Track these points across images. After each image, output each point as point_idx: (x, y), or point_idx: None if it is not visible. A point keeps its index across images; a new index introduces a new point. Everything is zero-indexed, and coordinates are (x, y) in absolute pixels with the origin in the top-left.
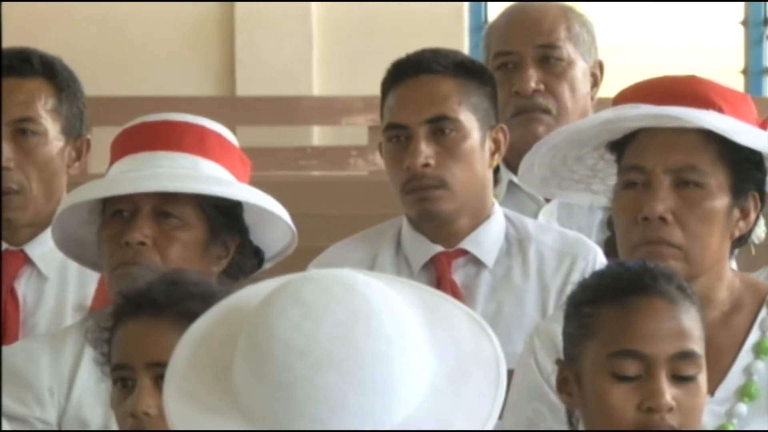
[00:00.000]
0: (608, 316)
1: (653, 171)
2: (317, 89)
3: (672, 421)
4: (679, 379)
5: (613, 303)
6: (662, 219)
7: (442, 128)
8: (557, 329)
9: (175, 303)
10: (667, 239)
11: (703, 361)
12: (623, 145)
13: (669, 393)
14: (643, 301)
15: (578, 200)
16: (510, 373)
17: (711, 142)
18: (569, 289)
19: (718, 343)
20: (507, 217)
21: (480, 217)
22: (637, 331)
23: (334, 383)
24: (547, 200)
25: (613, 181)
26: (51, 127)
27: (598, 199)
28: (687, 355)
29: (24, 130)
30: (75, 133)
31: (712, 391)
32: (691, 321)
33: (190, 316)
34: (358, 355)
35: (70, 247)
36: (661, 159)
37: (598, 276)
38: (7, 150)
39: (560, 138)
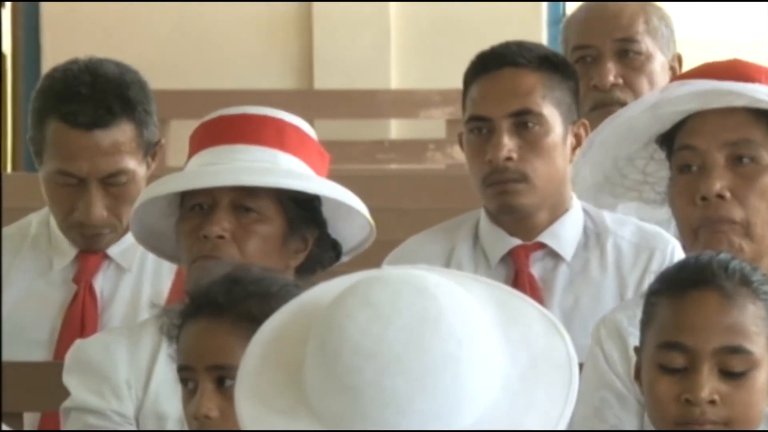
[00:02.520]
0: (663, 307)
1: (707, 150)
2: (395, 83)
3: (714, 416)
4: (728, 374)
5: (669, 294)
6: (720, 197)
7: (525, 122)
8: (622, 318)
9: (234, 304)
10: (727, 216)
11: (758, 358)
12: (672, 138)
13: (710, 387)
14: (696, 294)
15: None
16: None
17: (761, 118)
18: (647, 282)
19: None
20: (585, 211)
21: (559, 210)
22: (684, 323)
23: (402, 386)
24: None
25: (664, 188)
26: (137, 166)
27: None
28: (735, 350)
29: (115, 183)
30: (152, 147)
31: None
32: (747, 317)
33: (249, 317)
34: (426, 358)
35: (149, 239)
36: (713, 137)
37: (668, 268)
38: (99, 205)
39: (609, 130)
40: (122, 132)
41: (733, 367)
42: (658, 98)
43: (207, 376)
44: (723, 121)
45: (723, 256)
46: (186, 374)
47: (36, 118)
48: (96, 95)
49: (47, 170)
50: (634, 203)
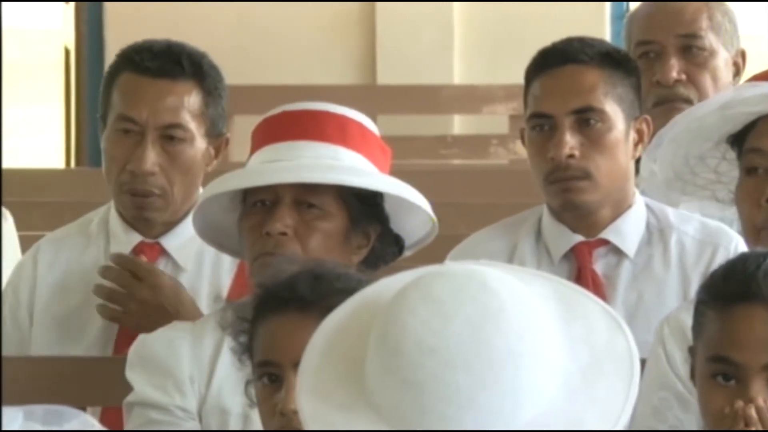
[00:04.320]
0: (710, 320)
1: None
2: (458, 78)
3: None
4: None
5: (716, 307)
6: None
7: (587, 119)
8: (687, 318)
9: (321, 299)
10: None
11: None
12: (743, 139)
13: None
14: (743, 308)
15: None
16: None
17: None
18: None
19: None
20: (648, 207)
21: (621, 207)
22: (732, 338)
23: (464, 382)
24: None
25: None
26: (196, 132)
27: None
28: None
29: (171, 137)
30: (216, 133)
31: None
32: None
33: None
34: (488, 354)
35: (212, 234)
36: None
37: (715, 276)
38: (152, 155)
39: (680, 128)
40: (187, 90)
41: None
42: (728, 98)
43: (294, 371)
44: None
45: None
46: (269, 369)
47: (107, 80)
48: (170, 50)
49: (111, 121)
50: (697, 202)
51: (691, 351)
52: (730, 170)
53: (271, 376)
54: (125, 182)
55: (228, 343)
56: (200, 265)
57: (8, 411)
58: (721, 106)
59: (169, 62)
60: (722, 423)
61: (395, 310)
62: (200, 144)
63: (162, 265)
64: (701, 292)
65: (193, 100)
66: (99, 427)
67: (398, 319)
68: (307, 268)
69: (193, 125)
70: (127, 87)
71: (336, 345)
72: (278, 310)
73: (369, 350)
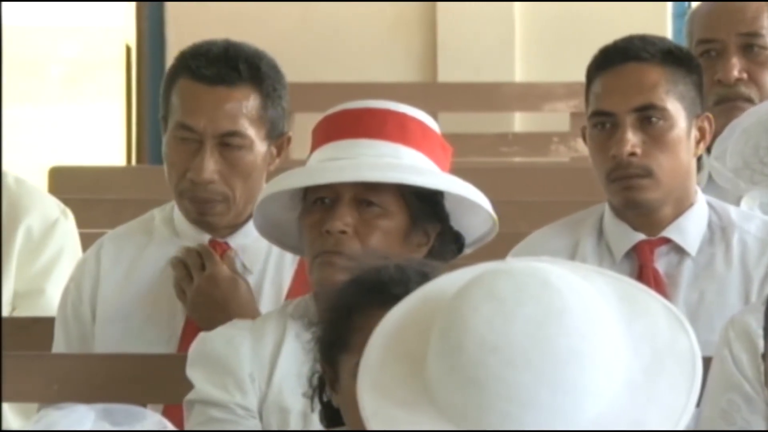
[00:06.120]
0: None
1: None
2: (519, 75)
3: None
4: None
5: None
6: None
7: (648, 117)
8: (751, 320)
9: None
10: None
11: None
12: None
13: None
14: None
15: None
16: (711, 361)
17: None
18: None
19: None
20: (710, 205)
21: (683, 205)
22: None
23: (526, 380)
24: None
25: None
26: (255, 136)
27: None
28: None
29: (230, 144)
30: (277, 134)
31: None
32: None
33: None
34: (550, 352)
35: (272, 231)
36: None
37: None
38: (211, 163)
39: (753, 119)
40: (245, 96)
41: None
42: None
43: None
44: None
45: None
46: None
47: (167, 84)
48: (227, 55)
49: (170, 128)
50: (765, 190)
51: (764, 357)
52: None
53: None
54: (186, 189)
55: (292, 340)
56: (265, 266)
57: (80, 410)
58: None
59: (225, 68)
60: None
61: (457, 308)
62: (260, 147)
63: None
64: None
65: (251, 105)
66: (171, 427)
67: (460, 317)
68: (414, 270)
69: (251, 131)
70: (185, 94)
71: (398, 341)
72: (384, 306)
73: (431, 347)
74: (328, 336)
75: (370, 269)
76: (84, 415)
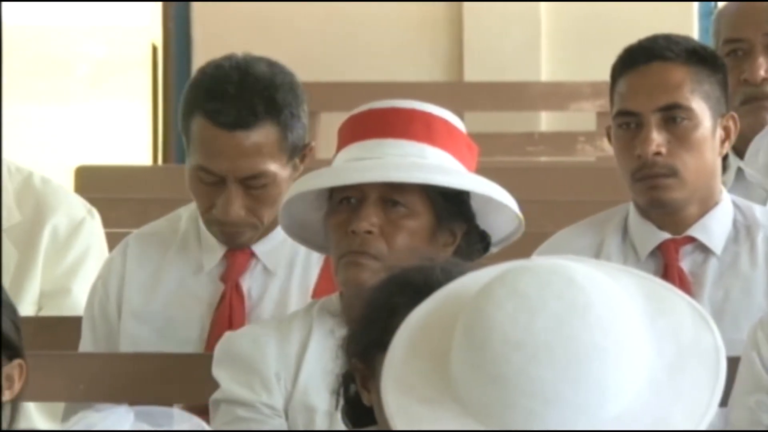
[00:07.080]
0: None
1: None
2: (545, 75)
3: None
4: None
5: None
6: None
7: (673, 116)
8: None
9: None
10: None
11: None
12: None
13: None
14: None
15: None
16: (737, 360)
17: None
18: None
19: None
20: (735, 204)
21: (708, 204)
22: None
23: (550, 376)
24: None
25: None
26: (279, 168)
27: None
28: None
29: (254, 185)
30: (299, 151)
31: None
32: None
33: None
34: (574, 349)
35: (298, 231)
36: None
37: None
38: (237, 203)
39: None
40: (265, 134)
41: None
42: None
43: None
44: None
45: None
46: None
47: (185, 111)
48: (242, 95)
49: (191, 164)
50: None
51: None
52: None
53: None
54: (213, 220)
55: (318, 339)
56: (291, 269)
57: (119, 411)
58: None
59: (242, 111)
60: None
61: (481, 305)
62: (284, 174)
63: (252, 267)
64: None
65: (271, 141)
66: (206, 427)
67: (484, 314)
68: (442, 265)
69: (274, 165)
70: (203, 137)
71: (422, 338)
72: None
73: (454, 344)
74: (367, 334)
75: (414, 270)
76: (123, 416)
